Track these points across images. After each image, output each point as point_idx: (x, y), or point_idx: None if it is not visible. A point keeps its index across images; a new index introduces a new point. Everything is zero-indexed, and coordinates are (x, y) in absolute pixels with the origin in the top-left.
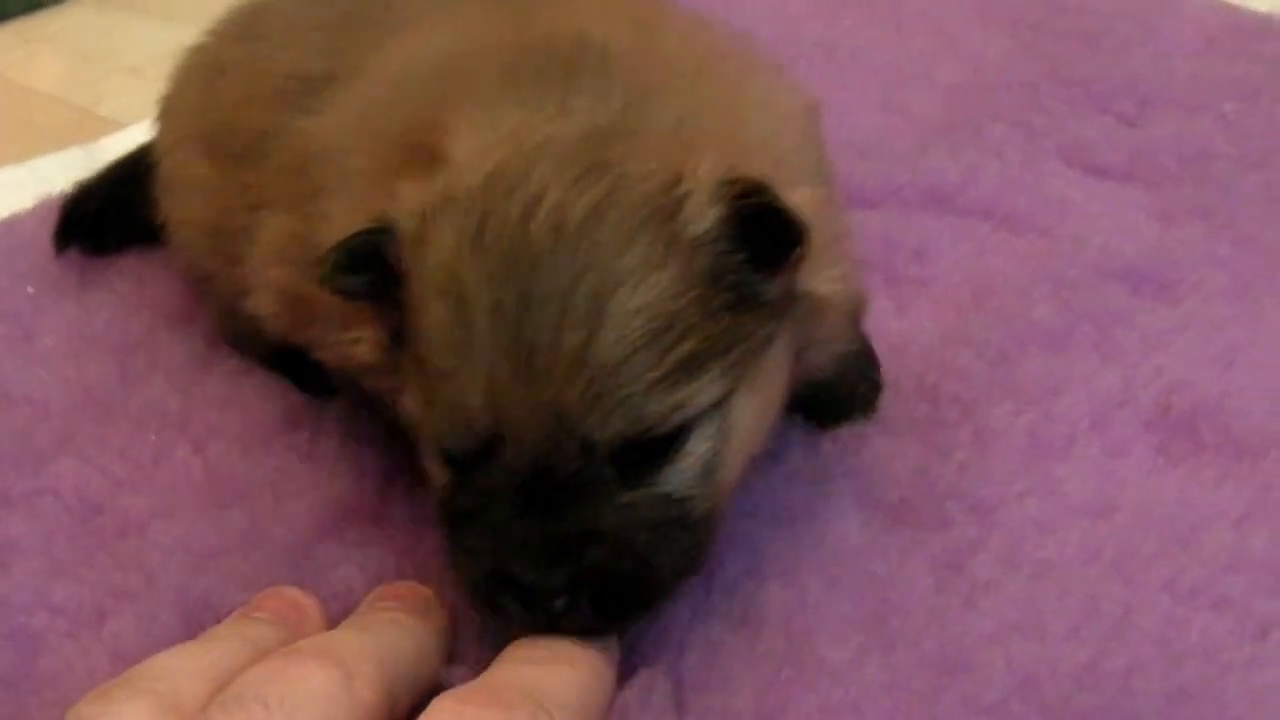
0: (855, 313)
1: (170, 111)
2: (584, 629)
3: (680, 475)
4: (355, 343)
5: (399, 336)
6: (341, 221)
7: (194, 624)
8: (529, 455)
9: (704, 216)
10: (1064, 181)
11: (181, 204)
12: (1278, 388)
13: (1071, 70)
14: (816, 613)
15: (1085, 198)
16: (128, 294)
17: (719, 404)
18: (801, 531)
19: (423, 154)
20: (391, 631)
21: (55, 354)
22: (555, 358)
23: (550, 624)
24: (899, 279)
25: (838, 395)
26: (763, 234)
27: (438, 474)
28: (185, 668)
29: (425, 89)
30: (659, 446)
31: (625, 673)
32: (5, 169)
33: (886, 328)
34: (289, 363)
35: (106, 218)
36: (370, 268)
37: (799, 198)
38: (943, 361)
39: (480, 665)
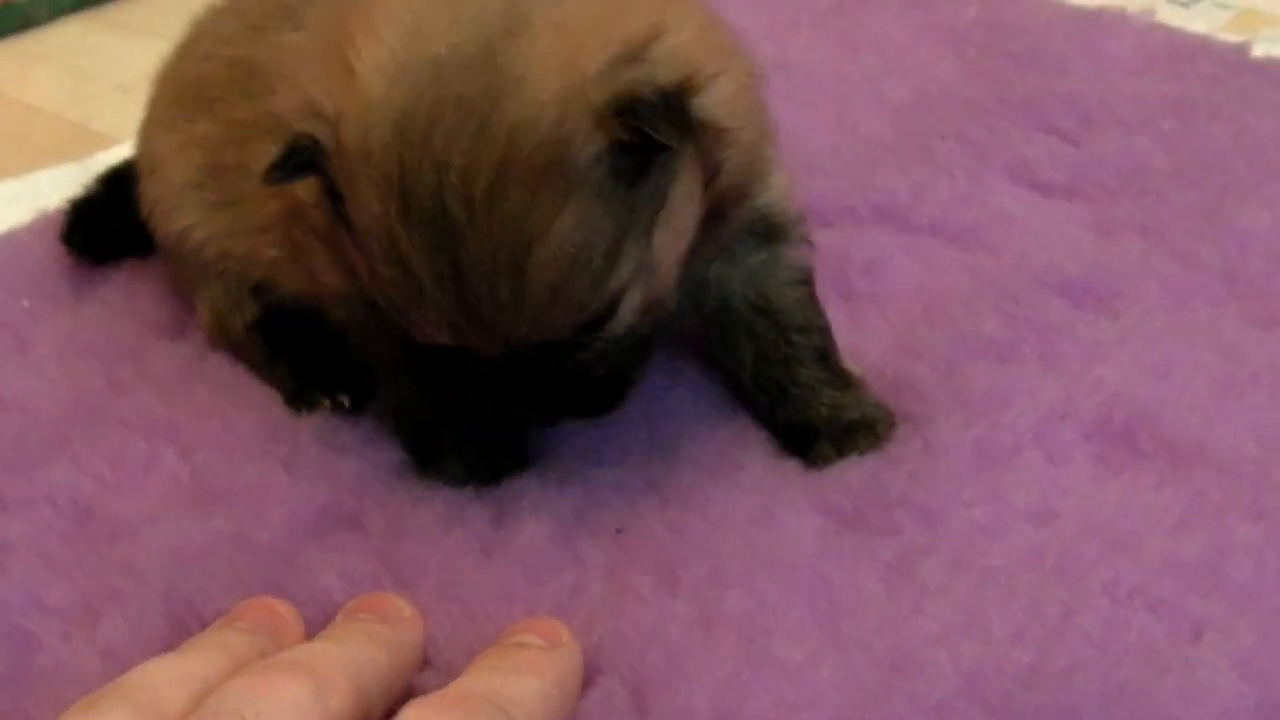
0: (758, 138)
1: (149, 109)
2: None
3: (621, 322)
4: (327, 271)
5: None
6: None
7: (179, 625)
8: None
9: (589, 146)
10: (1009, 198)
11: (180, 224)
12: (1211, 397)
13: (1016, 89)
14: (773, 615)
15: (1029, 213)
16: (119, 305)
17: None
18: (760, 538)
19: (340, 55)
20: (366, 643)
21: (49, 363)
22: (495, 309)
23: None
24: (852, 294)
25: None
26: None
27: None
28: (167, 677)
29: None
30: (598, 318)
31: (588, 677)
32: (2, 184)
33: (841, 341)
34: (281, 351)
35: (103, 227)
36: (301, 171)
37: (681, 37)
38: (895, 374)
39: (453, 671)
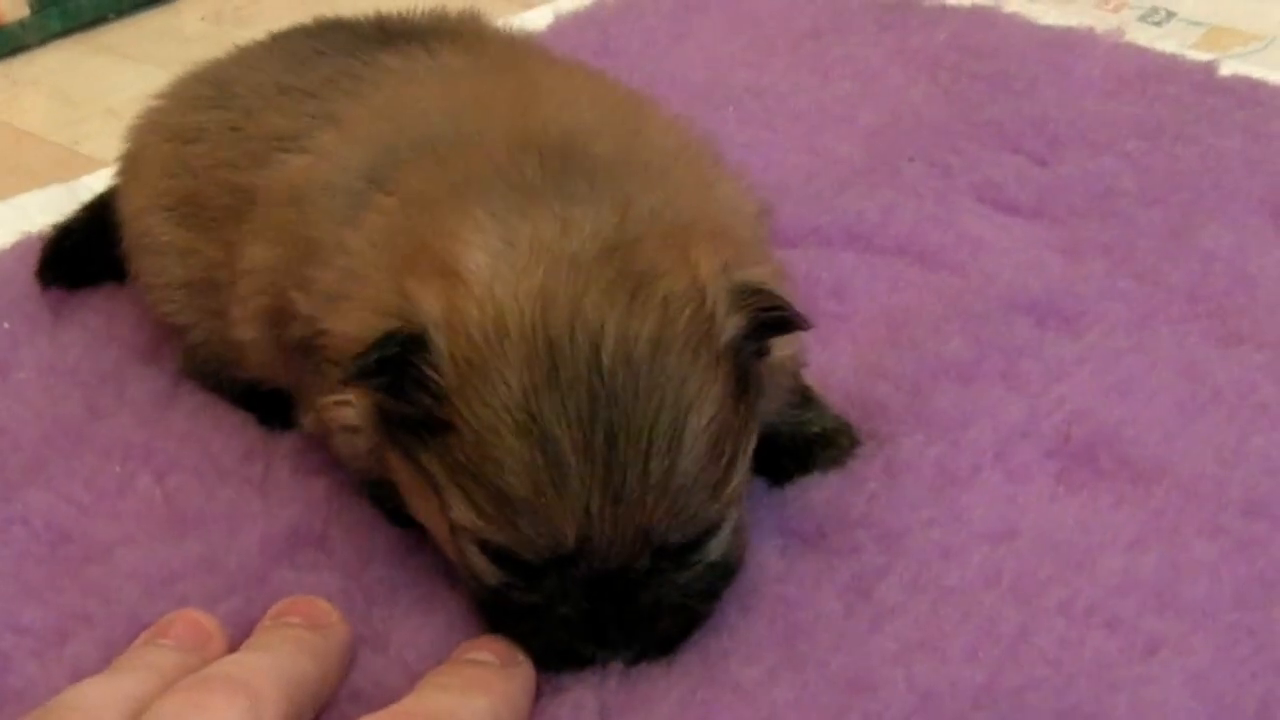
0: (796, 371)
1: (135, 176)
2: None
3: (721, 545)
4: (342, 405)
5: (388, 412)
6: (363, 285)
7: None
8: (607, 564)
9: (730, 325)
10: (976, 219)
11: (155, 267)
12: (1171, 416)
13: (986, 111)
14: (732, 635)
15: (996, 234)
16: (98, 329)
17: None
18: None
19: (429, 256)
20: (294, 650)
21: (29, 387)
22: (644, 486)
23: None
24: (819, 315)
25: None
26: (765, 328)
27: (486, 572)
28: (101, 698)
29: (421, 170)
30: (708, 532)
31: (552, 693)
32: None
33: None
34: (252, 396)
35: (83, 254)
36: (392, 370)
37: (763, 272)
38: (860, 394)
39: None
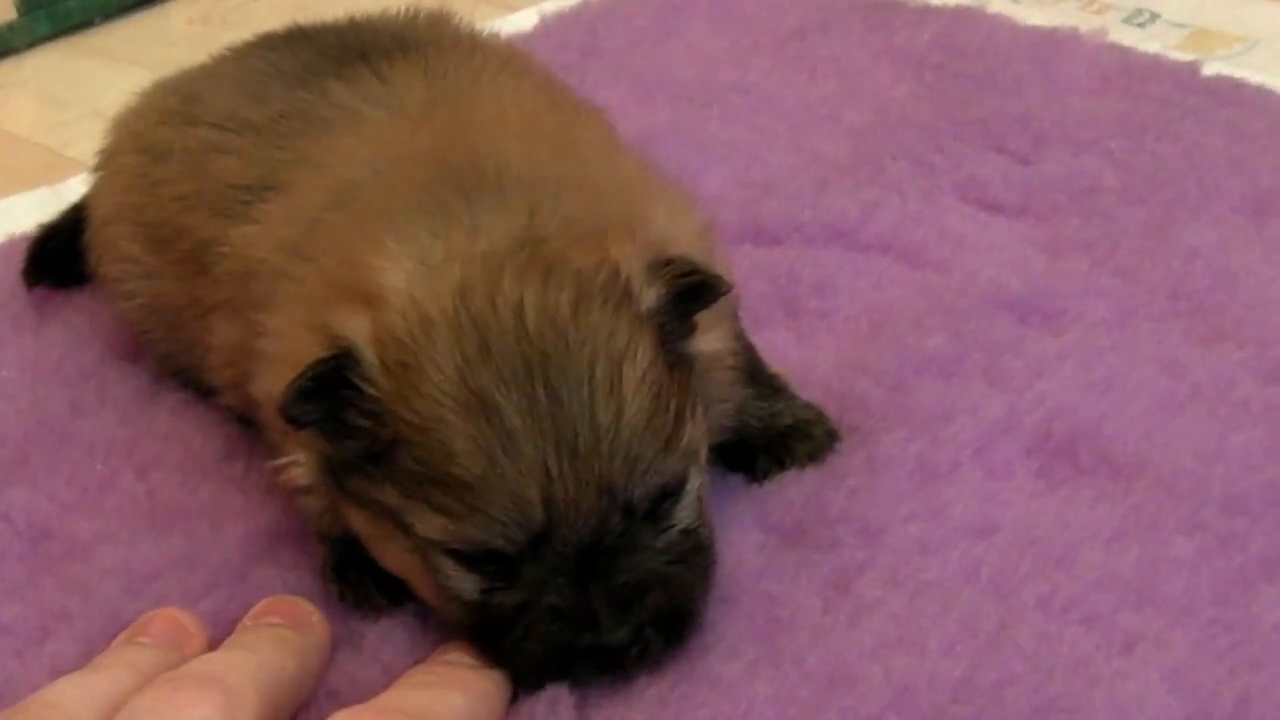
0: (742, 369)
1: (108, 180)
2: (653, 662)
3: (688, 510)
4: (291, 466)
5: (334, 460)
6: (285, 343)
7: None
8: (579, 532)
9: (649, 295)
10: (959, 216)
11: (120, 274)
12: (1151, 413)
13: (971, 110)
14: (713, 630)
15: (979, 232)
16: (81, 328)
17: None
18: None
19: (354, 290)
20: (274, 649)
21: (12, 385)
22: (596, 436)
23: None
24: (800, 312)
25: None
26: (687, 300)
27: (465, 585)
28: (78, 696)
29: (347, 220)
30: (670, 491)
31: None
32: None
33: (788, 358)
34: None
35: (68, 253)
36: (326, 397)
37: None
38: (841, 390)
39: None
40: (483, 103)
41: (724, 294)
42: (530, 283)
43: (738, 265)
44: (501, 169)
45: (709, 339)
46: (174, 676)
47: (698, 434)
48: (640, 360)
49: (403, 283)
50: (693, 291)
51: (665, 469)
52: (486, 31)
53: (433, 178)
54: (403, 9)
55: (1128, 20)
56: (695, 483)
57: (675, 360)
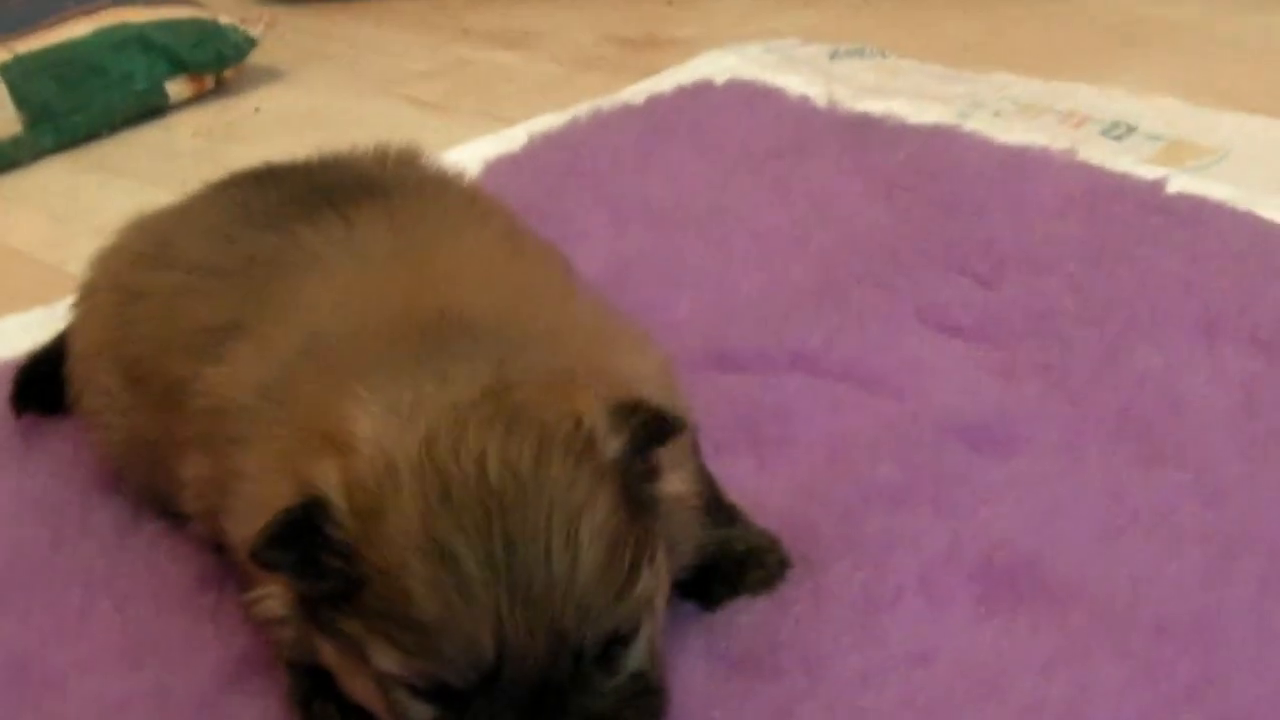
0: (703, 507)
1: (87, 316)
2: None
3: (640, 655)
4: (264, 599)
5: (307, 600)
6: (258, 487)
7: None
8: (529, 672)
9: (611, 445)
10: (919, 341)
11: (98, 407)
12: (1092, 539)
13: (936, 232)
14: None
15: (936, 357)
16: (64, 457)
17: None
18: None
19: (326, 437)
20: None
21: None
22: (550, 585)
23: None
24: (761, 439)
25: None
26: (648, 444)
27: (420, 715)
28: None
29: (318, 368)
30: (621, 637)
31: None
32: None
33: (746, 486)
34: None
35: (55, 382)
36: (297, 543)
37: (645, 390)
38: (794, 518)
39: None
40: (447, 253)
41: (680, 433)
42: (494, 433)
43: (702, 391)
44: (467, 319)
45: (673, 480)
46: None
47: (653, 582)
48: (598, 512)
49: (371, 431)
50: (653, 434)
51: (617, 616)
52: (468, 156)
53: (400, 328)
54: (373, 147)
55: (1105, 133)
56: (648, 629)
57: (639, 505)
